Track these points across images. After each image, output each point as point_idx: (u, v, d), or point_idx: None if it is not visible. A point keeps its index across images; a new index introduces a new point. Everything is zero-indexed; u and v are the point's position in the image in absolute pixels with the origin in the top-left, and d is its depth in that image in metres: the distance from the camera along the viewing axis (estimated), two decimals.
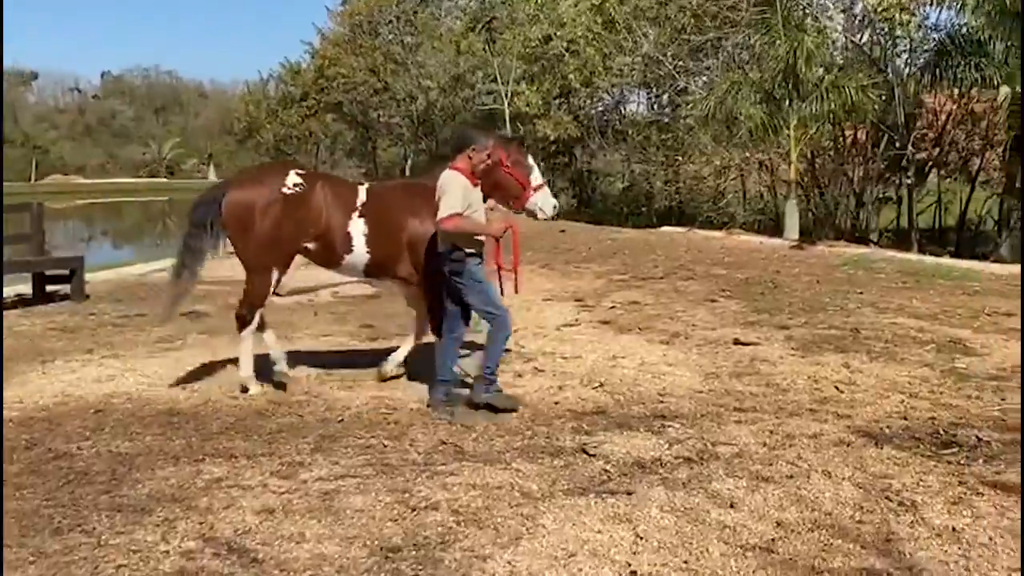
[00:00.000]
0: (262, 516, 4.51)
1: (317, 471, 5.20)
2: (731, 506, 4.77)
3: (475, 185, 6.56)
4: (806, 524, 4.56)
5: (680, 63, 27.88)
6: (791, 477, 5.24)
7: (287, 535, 4.28)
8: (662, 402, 6.92)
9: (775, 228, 22.59)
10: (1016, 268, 15.45)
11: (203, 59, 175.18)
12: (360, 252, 7.06)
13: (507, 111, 34.39)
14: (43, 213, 13.48)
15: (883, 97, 21.12)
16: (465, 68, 37.54)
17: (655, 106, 32.70)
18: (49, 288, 12.32)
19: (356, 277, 7.76)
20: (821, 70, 20.17)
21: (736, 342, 9.07)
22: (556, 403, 6.87)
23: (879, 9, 20.22)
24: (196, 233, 7.21)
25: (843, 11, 22.15)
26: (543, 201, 7.33)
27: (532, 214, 7.46)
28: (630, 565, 4.04)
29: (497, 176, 7.08)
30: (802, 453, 5.67)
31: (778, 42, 19.31)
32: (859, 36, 22.49)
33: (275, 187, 6.96)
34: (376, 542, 4.20)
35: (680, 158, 28.75)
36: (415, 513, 4.57)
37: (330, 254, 7.17)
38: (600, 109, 35.40)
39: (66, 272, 12.34)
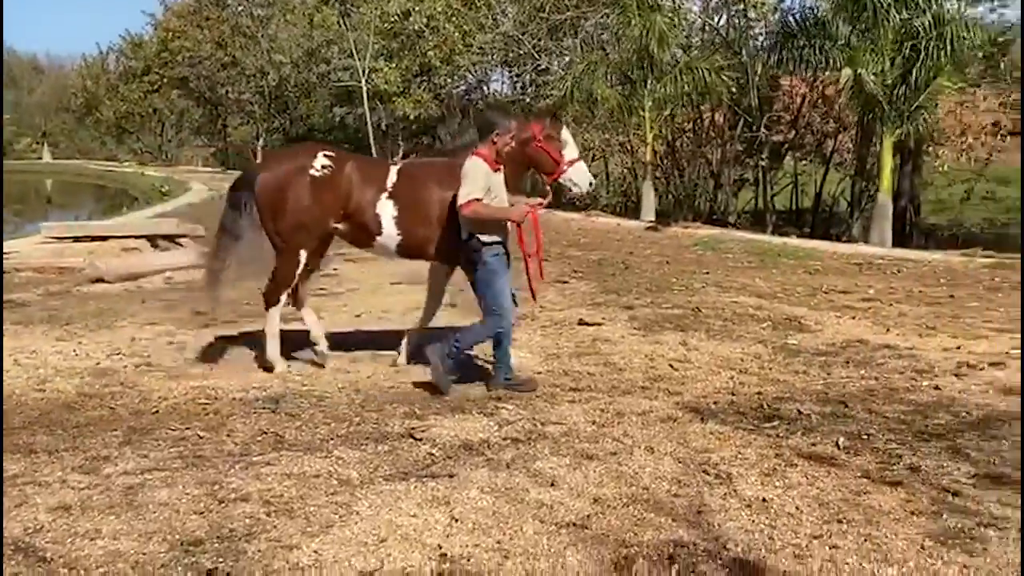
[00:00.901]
0: (57, 513, 4.40)
1: (123, 465, 5.10)
2: (551, 484, 4.92)
3: (496, 170, 6.59)
4: (623, 500, 4.75)
5: (539, 42, 28.09)
6: (614, 454, 5.44)
7: (81, 532, 4.19)
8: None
9: (636, 210, 23.10)
10: (863, 248, 16.32)
11: (37, 31, 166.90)
12: (390, 233, 7.11)
13: (364, 88, 34.08)
14: None
15: (739, 80, 21.79)
16: (319, 42, 37.02)
17: (517, 86, 32.87)
18: None
19: (390, 258, 7.77)
20: (679, 52, 20.58)
21: (581, 323, 9.31)
22: (391, 388, 6.94)
23: None
24: (231, 215, 7.47)
25: None
26: (577, 176, 7.39)
27: (567, 189, 7.77)
28: (441, 547, 4.12)
29: (530, 151, 7.15)
30: (628, 430, 5.90)
31: (633, 22, 19.66)
32: (716, 18, 23.10)
33: (304, 169, 7.08)
34: (177, 536, 4.15)
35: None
36: (223, 505, 4.53)
37: (360, 235, 7.29)
38: (462, 89, 35.39)
39: None
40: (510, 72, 32.01)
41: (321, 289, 10.99)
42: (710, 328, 9.05)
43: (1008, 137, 25.28)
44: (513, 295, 6.79)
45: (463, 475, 5.00)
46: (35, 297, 10.80)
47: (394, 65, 34.02)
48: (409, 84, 33.98)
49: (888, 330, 9.04)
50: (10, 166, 60.76)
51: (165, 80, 44.18)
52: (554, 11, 26.98)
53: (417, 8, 32.33)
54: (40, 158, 65.82)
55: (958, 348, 8.24)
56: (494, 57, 30.81)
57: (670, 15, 20.03)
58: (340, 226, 7.22)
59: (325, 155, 7.19)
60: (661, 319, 9.44)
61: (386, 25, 34.01)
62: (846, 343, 8.49)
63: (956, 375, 7.34)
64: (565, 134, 7.38)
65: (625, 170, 29.09)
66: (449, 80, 33.51)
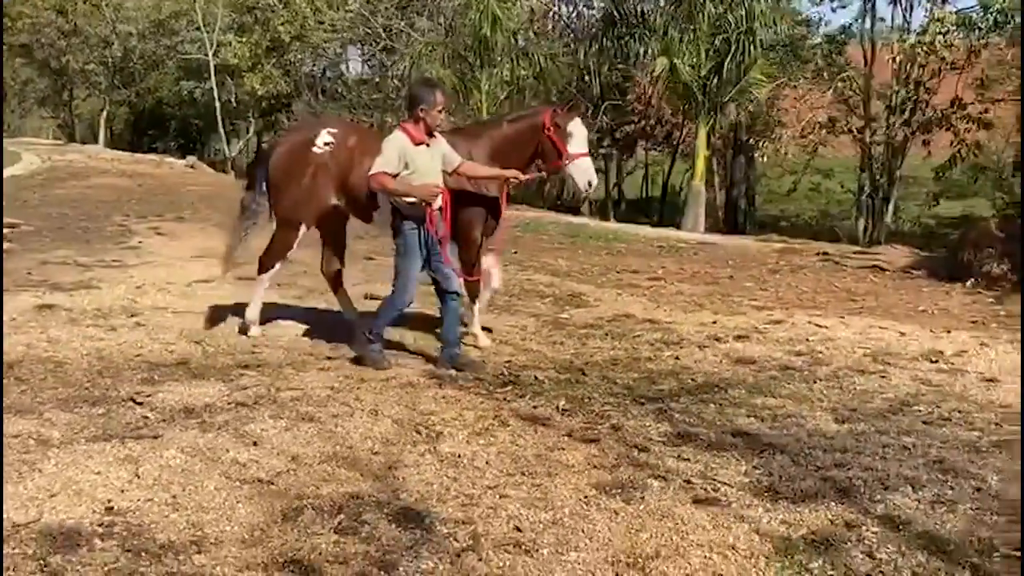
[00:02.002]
0: None
1: None
2: (254, 444, 5.04)
3: (420, 144, 6.51)
4: (320, 457, 4.91)
5: (389, 21, 28.03)
6: (336, 416, 5.59)
7: None
8: (254, 353, 7.12)
9: None
10: (672, 232, 16.89)
11: None
12: (387, 208, 6.92)
13: (212, 62, 33.37)
14: None
15: (581, 66, 22.16)
16: (167, 14, 36.03)
17: (366, 65, 32.76)
18: None
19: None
20: (516, 37, 20.76)
21: (367, 296, 9.41)
22: (137, 355, 6.87)
23: None
24: (248, 193, 7.83)
25: None
26: (578, 172, 7.37)
27: (570, 180, 7.89)
28: (110, 502, 4.19)
29: (540, 139, 7.21)
30: (361, 395, 6.06)
31: (471, 5, 19.83)
32: (556, 5, 23.42)
33: (308, 144, 7.36)
34: None
35: (390, 118, 29.02)
36: None
37: (359, 210, 7.45)
38: (313, 66, 35.02)
39: None
40: (360, 51, 31.81)
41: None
42: (494, 303, 9.29)
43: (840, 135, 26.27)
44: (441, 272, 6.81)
45: (168, 436, 5.06)
46: None
47: (244, 40, 33.47)
48: (259, 60, 33.43)
49: (658, 306, 9.48)
50: None
51: (4, 47, 42.18)
52: None
53: None
54: None
55: (714, 323, 8.72)
56: (344, 35, 30.52)
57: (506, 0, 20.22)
58: (339, 202, 7.41)
59: (329, 131, 7.40)
60: None
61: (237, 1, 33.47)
62: (614, 317, 8.87)
63: (700, 347, 7.79)
64: (575, 126, 7.26)
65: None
66: (300, 56, 33.09)
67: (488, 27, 18.85)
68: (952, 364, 7.39)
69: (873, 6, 24.01)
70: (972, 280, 10.99)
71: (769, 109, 23.10)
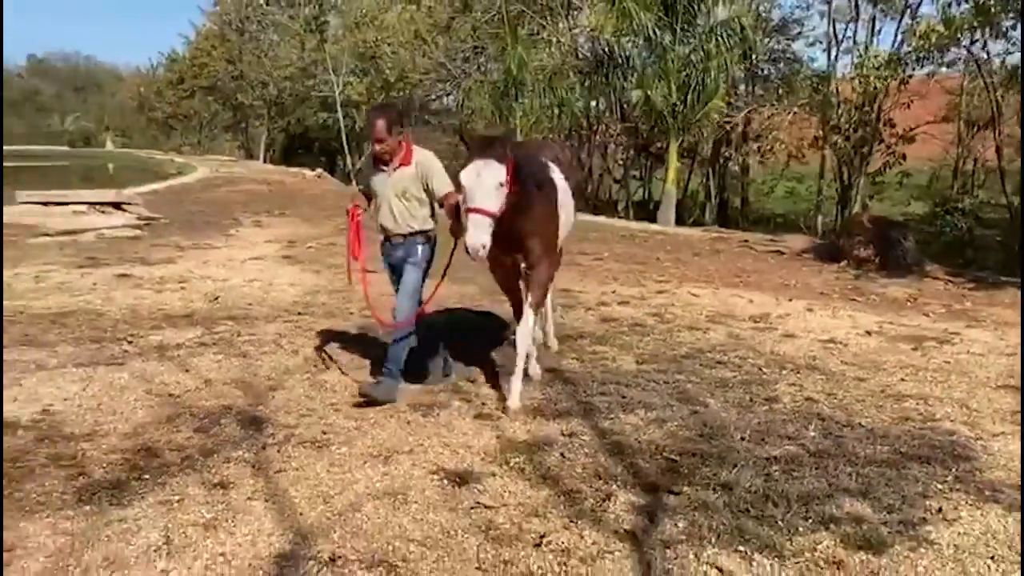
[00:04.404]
0: None
1: None
2: (186, 371, 5.46)
3: (379, 171, 5.05)
4: (225, 381, 5.28)
5: (459, 66, 28.31)
6: (264, 354, 5.92)
7: None
8: (245, 309, 7.44)
9: None
10: (641, 224, 16.77)
11: (119, 45, 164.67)
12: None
13: (339, 98, 34.29)
14: None
15: (596, 95, 21.87)
16: (309, 62, 37.05)
17: (446, 99, 33.20)
18: None
19: None
20: (542, 75, 20.67)
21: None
22: (160, 310, 7.28)
23: (588, 28, 20.99)
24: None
25: (571, 29, 22.83)
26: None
27: None
28: (51, 405, 4.67)
29: None
30: (299, 340, 6.32)
31: (507, 50, 19.95)
32: (582, 45, 23.12)
33: None
34: None
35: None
36: None
37: None
38: (411, 99, 35.54)
39: None
40: (441, 89, 32.17)
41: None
42: (453, 277, 9.47)
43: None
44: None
45: (129, 364, 5.54)
46: None
47: (362, 80, 34.33)
48: (373, 95, 34.15)
49: (582, 279, 9.50)
50: (85, 152, 60.65)
51: (196, 88, 44.02)
52: (472, 39, 27.21)
53: (382, 37, 32.72)
54: (104, 147, 65.07)
55: (613, 292, 8.73)
56: (431, 76, 30.94)
57: (530, 46, 20.16)
58: None
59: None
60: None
61: (359, 49, 34.26)
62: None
63: (585, 309, 7.79)
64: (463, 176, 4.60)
65: None
66: (402, 92, 33.64)
67: (516, 68, 18.94)
68: (769, 324, 7.35)
69: (837, 50, 23.25)
70: (845, 261, 10.76)
71: (745, 128, 22.48)
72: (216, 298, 7.89)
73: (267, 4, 38.67)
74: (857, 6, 22.18)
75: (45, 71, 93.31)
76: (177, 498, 3.64)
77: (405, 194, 4.97)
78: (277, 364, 5.70)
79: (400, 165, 4.98)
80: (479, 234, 4.32)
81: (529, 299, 5.09)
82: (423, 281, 5.17)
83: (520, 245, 4.90)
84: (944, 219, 18.10)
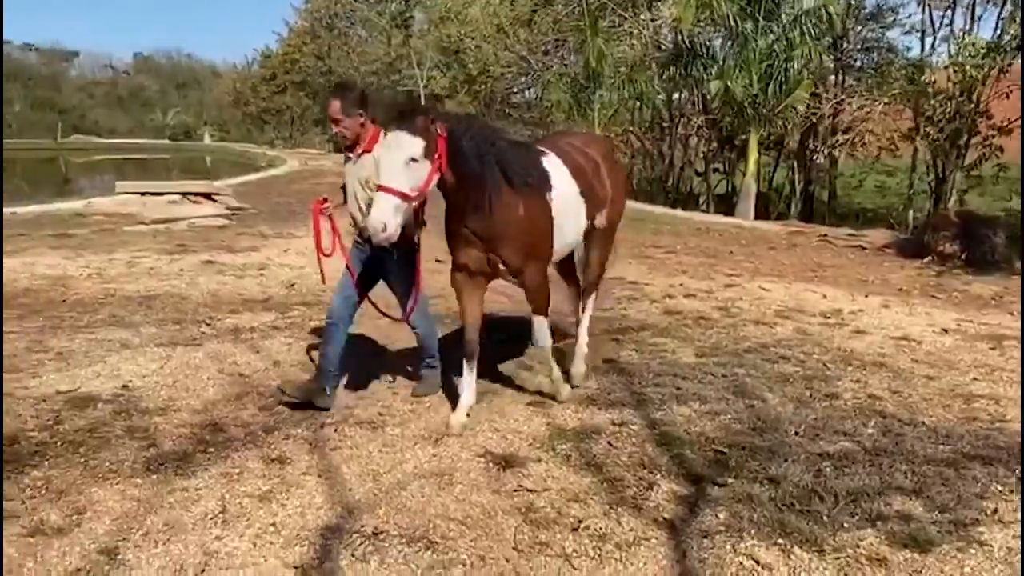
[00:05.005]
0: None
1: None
2: (256, 352, 5.70)
3: (347, 159, 4.66)
4: (293, 363, 5.49)
5: (540, 59, 28.36)
6: (313, 340, 6.12)
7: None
8: (318, 295, 7.54)
9: None
10: (717, 218, 16.46)
11: (217, 43, 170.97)
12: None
13: (423, 92, 34.86)
14: None
15: (676, 86, 21.52)
16: (394, 57, 37.81)
17: (530, 91, 33.25)
18: None
19: None
20: (622, 67, 20.51)
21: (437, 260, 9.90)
22: (239, 295, 7.62)
23: (669, 19, 20.69)
24: None
25: (652, 20, 22.55)
26: None
27: None
28: (130, 382, 4.96)
29: None
30: (367, 329, 6.49)
31: (586, 43, 19.88)
32: (664, 36, 22.80)
33: None
34: None
35: (542, 131, 29.41)
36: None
37: None
38: (495, 92, 35.81)
39: None
40: (523, 83, 32.27)
41: None
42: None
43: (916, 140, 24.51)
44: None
45: (205, 345, 5.80)
46: (84, 232, 11.75)
47: (445, 75, 34.80)
48: (456, 89, 34.58)
49: (650, 272, 9.45)
50: (185, 146, 63.43)
51: (288, 83, 45.45)
52: (553, 33, 27.20)
53: (464, 32, 33.05)
54: (202, 140, 67.72)
55: (681, 285, 8.65)
56: (513, 70, 31.08)
57: (611, 39, 20.03)
58: None
59: None
60: None
61: (443, 43, 34.71)
62: (610, 278, 8.67)
63: (651, 301, 7.77)
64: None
65: None
66: (484, 87, 33.93)
67: (595, 60, 18.86)
68: (840, 320, 7.16)
69: (934, 39, 22.18)
70: (929, 257, 10.35)
71: (834, 119, 21.75)
72: (292, 285, 8.19)
73: (356, 1, 39.62)
74: None
75: (149, 68, 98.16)
76: (237, 471, 3.83)
77: (369, 183, 4.35)
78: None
79: (364, 152, 4.49)
80: (378, 214, 3.70)
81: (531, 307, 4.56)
82: (413, 270, 4.63)
83: (490, 246, 4.22)
84: None
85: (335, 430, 4.34)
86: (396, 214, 3.74)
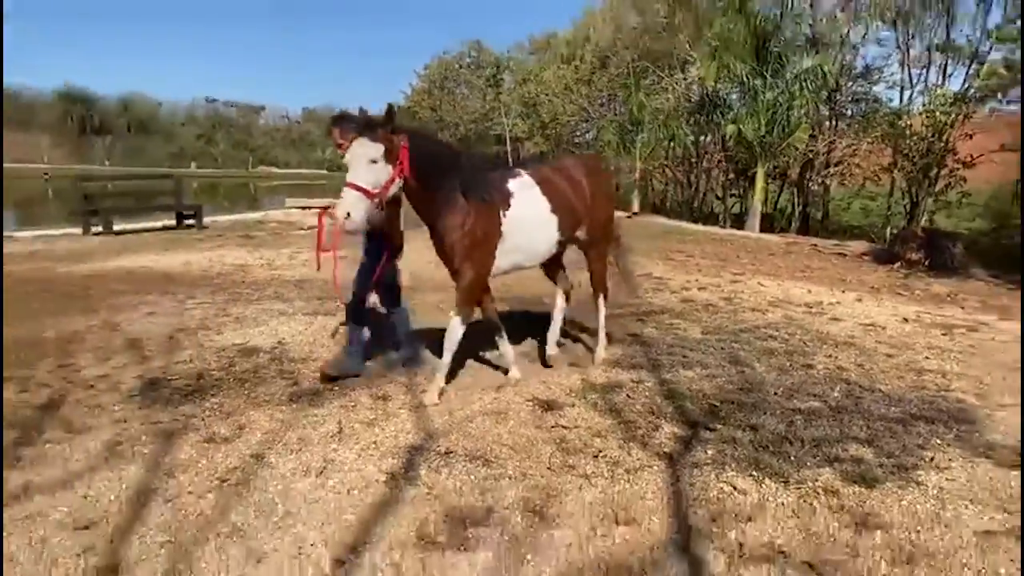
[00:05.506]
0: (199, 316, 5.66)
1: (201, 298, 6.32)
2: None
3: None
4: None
5: (596, 110, 28.08)
6: (415, 316, 6.21)
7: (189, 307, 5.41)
8: (429, 282, 7.80)
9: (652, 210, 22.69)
10: (729, 231, 15.90)
11: (364, 98, 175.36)
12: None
13: (508, 134, 35.04)
14: (181, 180, 14.42)
15: (701, 130, 20.90)
16: (487, 108, 38.01)
17: (588, 134, 32.89)
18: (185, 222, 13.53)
19: None
20: (660, 114, 20.02)
21: None
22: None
23: (699, 78, 20.13)
24: None
25: (684, 78, 21.97)
26: None
27: None
28: (284, 339, 5.14)
29: None
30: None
31: (631, 96, 19.55)
32: (692, 91, 22.18)
33: None
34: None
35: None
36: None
37: None
38: (562, 135, 35.62)
39: (193, 212, 13.49)
40: (584, 128, 31.94)
41: None
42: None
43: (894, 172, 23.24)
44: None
45: (337, 315, 5.96)
46: (262, 234, 12.27)
47: (524, 121, 34.86)
48: (534, 132, 34.55)
49: (672, 270, 9.23)
50: (338, 174, 65.07)
51: (415, 123, 46.28)
52: (605, 90, 26.89)
53: (539, 90, 33.06)
54: None
55: (696, 280, 8.41)
56: (576, 118, 30.83)
57: (651, 92, 19.60)
58: None
59: None
60: None
61: (524, 98, 34.78)
62: (640, 274, 8.54)
63: (671, 292, 7.56)
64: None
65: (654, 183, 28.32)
66: (554, 131, 33.80)
67: (637, 110, 18.51)
68: (820, 309, 6.84)
69: (911, 92, 20.94)
70: (899, 263, 9.77)
71: (828, 155, 20.76)
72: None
73: (460, 68, 40.01)
74: (931, 54, 19.93)
75: (314, 118, 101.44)
76: (352, 403, 3.95)
77: None
78: (435, 322, 5.94)
79: None
80: (342, 205, 3.41)
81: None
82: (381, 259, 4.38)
83: (438, 246, 3.89)
84: (1000, 232, 15.97)
85: (424, 377, 4.42)
86: (358, 207, 3.42)
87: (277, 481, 3.03)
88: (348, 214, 3.39)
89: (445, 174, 3.71)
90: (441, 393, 4.04)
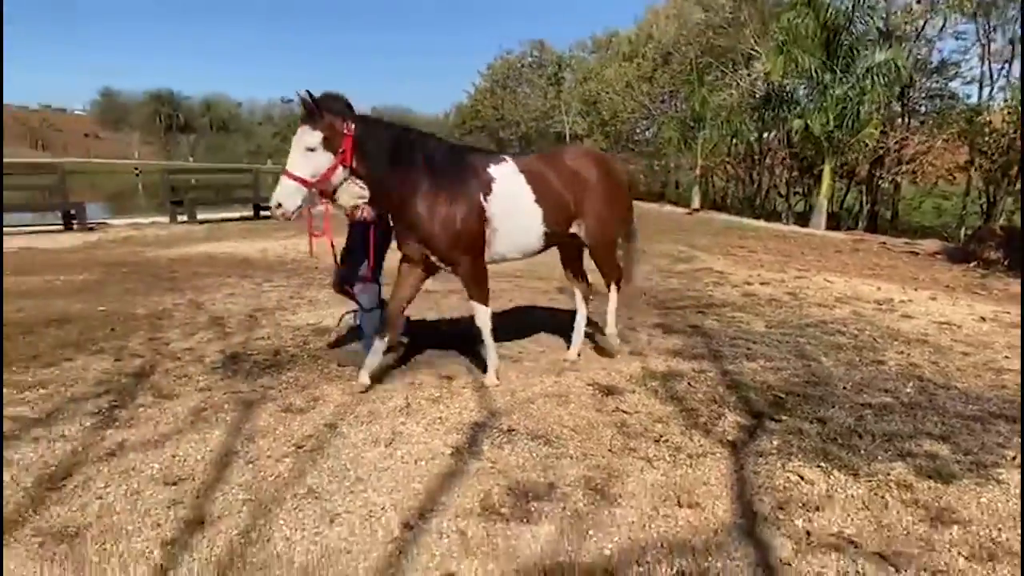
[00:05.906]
0: (223, 291, 5.92)
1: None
2: (436, 307, 5.89)
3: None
4: (458, 313, 5.64)
5: (657, 106, 27.56)
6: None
7: (204, 272, 5.66)
8: None
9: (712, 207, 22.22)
10: (793, 228, 15.31)
11: (430, 101, 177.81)
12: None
13: (568, 132, 34.83)
14: (258, 175, 14.91)
15: (766, 126, 20.23)
16: (548, 107, 37.91)
17: (648, 131, 32.30)
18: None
19: None
20: (722, 111, 19.51)
21: None
22: None
23: (764, 73, 19.47)
24: None
25: (748, 74, 21.28)
26: None
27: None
28: (321, 321, 5.27)
29: None
30: (517, 298, 6.62)
31: (693, 92, 19.10)
32: (757, 86, 21.46)
33: None
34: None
35: (658, 161, 28.64)
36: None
37: None
38: (621, 132, 35.15)
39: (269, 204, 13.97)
40: (644, 126, 31.42)
41: None
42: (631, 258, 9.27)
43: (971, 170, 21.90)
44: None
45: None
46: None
47: (585, 119, 34.58)
48: (593, 130, 34.24)
49: (734, 265, 8.96)
50: None
51: (472, 127, 46.54)
52: (667, 87, 26.35)
53: (600, 87, 32.72)
54: None
55: (758, 275, 8.13)
56: (636, 115, 30.35)
57: (714, 89, 19.08)
58: None
59: None
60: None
61: (584, 96, 34.53)
62: (699, 269, 8.51)
63: (732, 286, 7.33)
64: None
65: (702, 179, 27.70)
66: (614, 128, 33.39)
67: (699, 106, 18.06)
68: (891, 307, 6.50)
69: (992, 87, 19.63)
70: (975, 262, 9.18)
71: (899, 152, 19.69)
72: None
73: (522, 67, 40.04)
74: (1014, 48, 18.61)
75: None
76: (419, 381, 4.02)
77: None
78: (497, 308, 5.95)
79: None
80: (275, 194, 3.24)
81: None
82: (366, 247, 4.25)
83: (421, 240, 3.60)
84: None
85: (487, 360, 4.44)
86: (292, 196, 3.23)
87: (349, 449, 3.12)
88: (279, 204, 3.23)
89: (405, 161, 3.43)
90: (498, 375, 3.97)
